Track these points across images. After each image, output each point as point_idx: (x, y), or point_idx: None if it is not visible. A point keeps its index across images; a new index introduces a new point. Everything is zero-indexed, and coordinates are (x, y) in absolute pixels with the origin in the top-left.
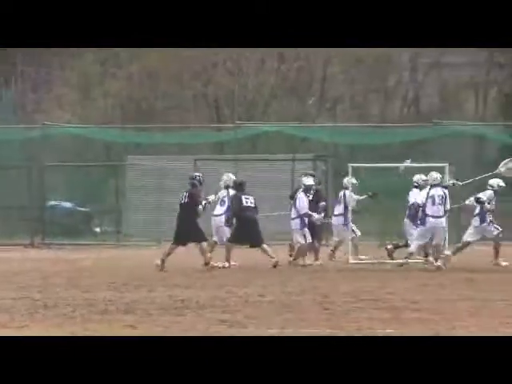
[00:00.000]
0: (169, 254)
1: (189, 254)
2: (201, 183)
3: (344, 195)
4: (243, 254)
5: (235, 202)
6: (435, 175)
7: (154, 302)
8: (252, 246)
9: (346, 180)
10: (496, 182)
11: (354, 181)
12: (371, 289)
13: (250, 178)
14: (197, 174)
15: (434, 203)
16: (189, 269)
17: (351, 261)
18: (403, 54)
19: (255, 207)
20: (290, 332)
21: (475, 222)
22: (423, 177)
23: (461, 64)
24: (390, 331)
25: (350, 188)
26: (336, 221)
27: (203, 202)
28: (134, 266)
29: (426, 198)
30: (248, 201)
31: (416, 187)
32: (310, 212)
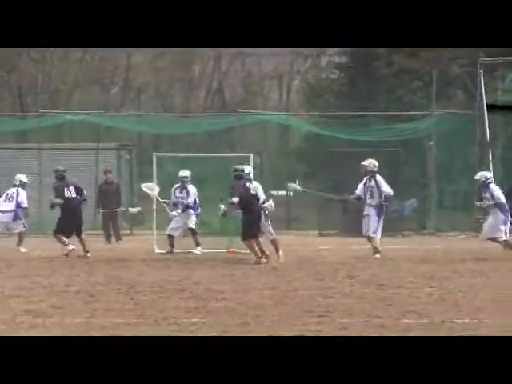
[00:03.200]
0: None
1: None
2: None
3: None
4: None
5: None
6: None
7: None
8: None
9: None
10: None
11: None
12: (177, 278)
13: (54, 167)
14: None
15: None
16: None
17: (157, 250)
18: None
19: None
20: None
21: None
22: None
23: (264, 54)
24: (195, 320)
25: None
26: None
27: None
28: None
29: None
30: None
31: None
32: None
